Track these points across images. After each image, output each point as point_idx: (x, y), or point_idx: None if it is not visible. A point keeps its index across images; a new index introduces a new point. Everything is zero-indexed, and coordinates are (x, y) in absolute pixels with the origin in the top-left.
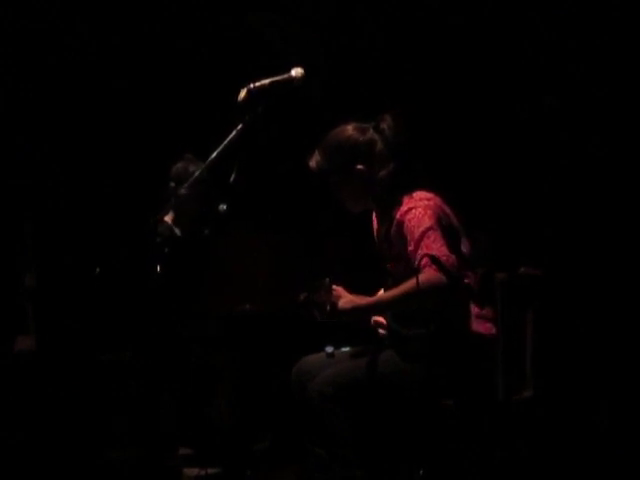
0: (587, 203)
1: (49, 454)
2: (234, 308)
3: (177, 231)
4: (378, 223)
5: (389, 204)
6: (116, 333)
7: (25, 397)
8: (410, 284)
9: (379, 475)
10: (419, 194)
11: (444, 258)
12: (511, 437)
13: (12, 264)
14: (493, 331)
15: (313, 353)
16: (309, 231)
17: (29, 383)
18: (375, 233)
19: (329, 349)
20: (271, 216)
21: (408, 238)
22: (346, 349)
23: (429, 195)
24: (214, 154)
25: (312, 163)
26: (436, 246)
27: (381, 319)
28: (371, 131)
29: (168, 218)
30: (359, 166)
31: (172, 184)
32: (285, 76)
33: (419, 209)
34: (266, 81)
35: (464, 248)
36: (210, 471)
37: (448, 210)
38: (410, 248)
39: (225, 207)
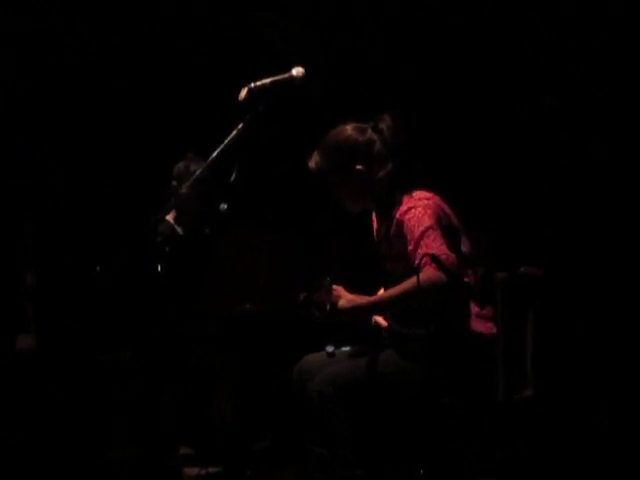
0: (587, 203)
1: (49, 454)
2: (234, 308)
3: (179, 230)
4: (378, 223)
5: (388, 204)
6: (116, 333)
7: (25, 396)
8: (410, 283)
9: (379, 475)
10: (419, 194)
11: (444, 257)
12: (511, 437)
13: (12, 264)
14: (493, 330)
15: (313, 353)
16: (309, 231)
17: (29, 382)
18: (375, 233)
19: (329, 348)
20: (271, 215)
21: (408, 237)
22: (346, 349)
23: (429, 195)
24: (215, 153)
25: (311, 164)
26: (436, 245)
27: (381, 319)
28: (370, 131)
29: (170, 217)
30: (358, 166)
31: (174, 183)
32: (286, 75)
33: (419, 208)
34: (267, 80)
35: (464, 247)
36: (210, 470)
37: (448, 209)
38: (410, 247)
39: (226, 206)
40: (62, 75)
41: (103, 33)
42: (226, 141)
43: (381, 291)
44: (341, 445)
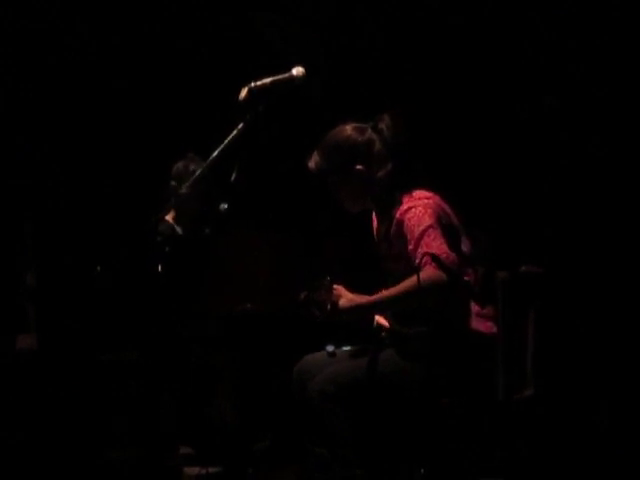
0: (587, 203)
1: (49, 454)
2: (234, 308)
3: (178, 230)
4: (378, 223)
5: (388, 204)
6: (117, 333)
7: (26, 396)
8: (411, 282)
9: (379, 475)
10: (419, 193)
11: (444, 256)
12: (511, 437)
13: (12, 264)
14: (494, 330)
15: (314, 352)
16: (309, 231)
17: (30, 382)
18: (375, 233)
19: (330, 348)
20: (272, 215)
21: (408, 237)
22: (347, 348)
23: (429, 194)
24: (215, 153)
25: (311, 164)
26: (436, 244)
27: (381, 318)
28: (369, 131)
29: (169, 217)
30: (358, 166)
31: (173, 183)
32: (286, 75)
33: (419, 208)
34: (267, 80)
35: (464, 246)
36: (211, 470)
37: (448, 209)
38: (410, 247)
39: (226, 206)
40: (62, 75)
41: (103, 33)
42: (226, 141)
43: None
44: (341, 445)
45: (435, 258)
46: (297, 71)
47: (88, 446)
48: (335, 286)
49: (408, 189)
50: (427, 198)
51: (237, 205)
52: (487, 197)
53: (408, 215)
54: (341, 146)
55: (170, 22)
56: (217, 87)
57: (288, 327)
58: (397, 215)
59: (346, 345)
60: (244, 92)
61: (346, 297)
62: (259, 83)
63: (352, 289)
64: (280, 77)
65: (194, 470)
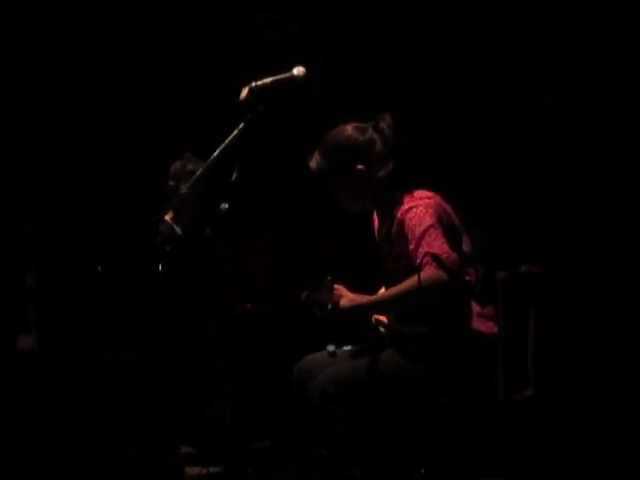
0: (587, 203)
1: (49, 454)
2: (234, 308)
3: (177, 229)
4: (379, 222)
5: (389, 203)
6: (117, 333)
7: (26, 396)
8: (411, 282)
9: (380, 475)
10: (420, 193)
11: (445, 256)
12: (512, 437)
13: (12, 264)
14: (494, 330)
15: (314, 352)
16: (309, 231)
17: (30, 382)
18: (376, 232)
19: (330, 348)
20: (272, 215)
21: (409, 237)
22: (347, 348)
23: (429, 194)
24: (216, 153)
25: (312, 163)
26: (437, 244)
27: (382, 318)
28: (370, 131)
29: (168, 217)
30: (359, 166)
31: (171, 183)
32: (287, 75)
33: (420, 208)
34: (268, 80)
35: (465, 246)
36: (212, 470)
37: (449, 208)
38: (411, 247)
39: (226, 206)
40: (62, 75)
41: (103, 33)
42: (227, 141)
43: (382, 290)
44: (341, 445)
45: (436, 258)
46: (298, 71)
47: (88, 446)
48: (336, 286)
49: (409, 189)
50: (428, 198)
51: (237, 205)
52: (487, 197)
53: (409, 215)
54: (342, 146)
55: (170, 22)
56: (217, 87)
57: (288, 327)
58: (398, 215)
59: (347, 345)
60: (245, 92)
61: (347, 297)
62: (260, 83)
63: (353, 289)
64: (281, 77)
65: (195, 470)
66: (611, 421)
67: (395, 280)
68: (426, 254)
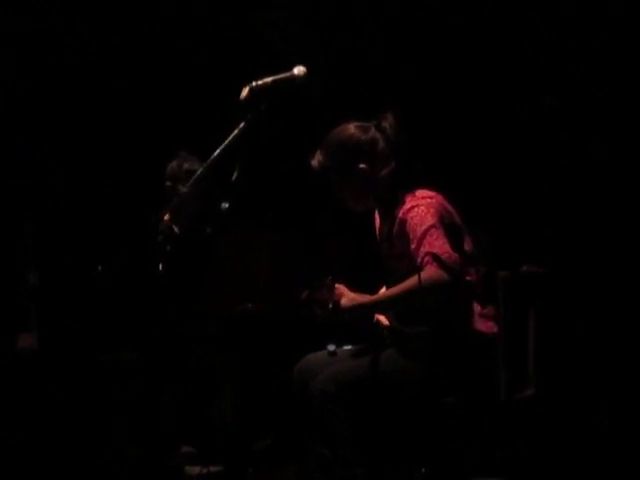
0: (587, 203)
1: (49, 454)
2: (235, 307)
3: (176, 229)
4: (380, 222)
5: (391, 203)
6: (117, 333)
7: (26, 396)
8: (412, 282)
9: (380, 474)
10: (421, 192)
11: (446, 255)
12: (512, 436)
13: (13, 264)
14: (495, 330)
15: (315, 352)
16: (310, 230)
17: (30, 382)
18: (377, 232)
19: (331, 347)
20: (272, 215)
21: (410, 236)
22: (348, 347)
23: (431, 193)
24: (216, 152)
25: (314, 162)
26: (438, 244)
27: (383, 317)
28: (373, 130)
29: (165, 217)
30: (361, 165)
31: (168, 183)
32: (287, 74)
33: (421, 207)
34: (268, 79)
35: (467, 246)
36: (212, 469)
37: (450, 208)
38: (413, 246)
39: (227, 206)
40: (62, 75)
41: (103, 33)
42: (227, 140)
43: (383, 289)
44: (342, 445)
45: (437, 258)
46: (298, 70)
47: (88, 446)
48: (337, 285)
49: (411, 188)
50: (430, 197)
51: (238, 204)
52: (487, 197)
53: (411, 214)
54: (344, 144)
55: (170, 22)
56: (217, 87)
57: (288, 327)
58: (400, 214)
59: (347, 344)
60: (245, 91)
61: (348, 296)
62: (260, 82)
63: (353, 289)
64: (281, 76)
65: (195, 469)
66: (611, 421)
67: (396, 280)
68: (427, 254)
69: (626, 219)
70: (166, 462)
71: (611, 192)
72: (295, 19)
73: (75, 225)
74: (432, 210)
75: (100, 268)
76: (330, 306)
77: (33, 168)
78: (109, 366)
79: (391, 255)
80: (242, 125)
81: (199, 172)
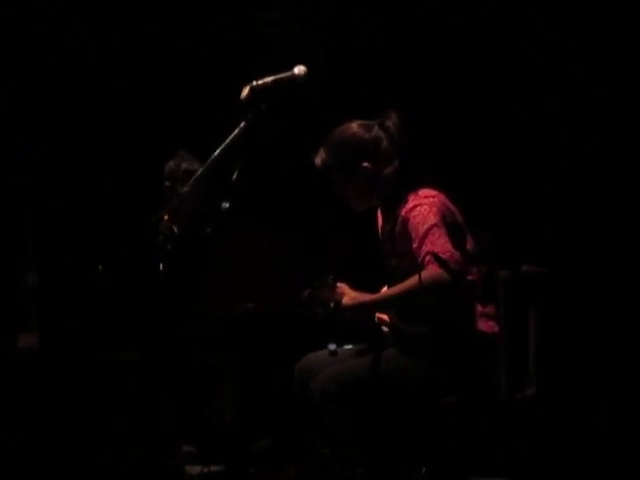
0: (587, 202)
1: (49, 454)
2: (235, 307)
3: (175, 229)
4: (383, 221)
5: (394, 202)
6: (117, 333)
7: (27, 395)
8: (413, 281)
9: (381, 474)
10: (424, 191)
11: (448, 255)
12: (512, 436)
13: (13, 263)
14: (495, 329)
15: (315, 351)
16: (311, 230)
17: (31, 381)
18: (380, 231)
19: (332, 347)
20: (273, 214)
21: (413, 235)
22: (348, 347)
23: (434, 192)
24: (216, 152)
25: (317, 160)
26: (440, 243)
27: (384, 316)
28: (376, 128)
29: (165, 218)
30: (364, 163)
31: (167, 183)
32: (288, 74)
33: (424, 206)
34: (269, 79)
35: (468, 245)
36: (212, 469)
37: (453, 207)
38: (414, 245)
39: (227, 205)
40: (62, 75)
41: (103, 33)
42: (228, 140)
43: (384, 288)
44: (341, 445)
45: (438, 257)
46: (299, 70)
47: (88, 446)
48: (338, 284)
49: (414, 187)
50: (433, 196)
51: (238, 204)
52: (488, 197)
53: (413, 213)
54: (348, 143)
55: (170, 22)
56: (217, 87)
57: (289, 327)
58: (402, 213)
59: (348, 344)
60: (246, 91)
61: (349, 295)
62: (261, 82)
63: (355, 288)
64: (282, 76)
65: (196, 469)
66: (611, 421)
67: (398, 279)
68: (428, 253)
69: (626, 219)
70: (166, 462)
71: (611, 192)
72: (295, 19)
73: (75, 225)
74: (435, 209)
75: (100, 268)
76: (332, 305)
77: (33, 168)
78: (109, 366)
79: (393, 254)
80: (242, 125)
81: (199, 172)
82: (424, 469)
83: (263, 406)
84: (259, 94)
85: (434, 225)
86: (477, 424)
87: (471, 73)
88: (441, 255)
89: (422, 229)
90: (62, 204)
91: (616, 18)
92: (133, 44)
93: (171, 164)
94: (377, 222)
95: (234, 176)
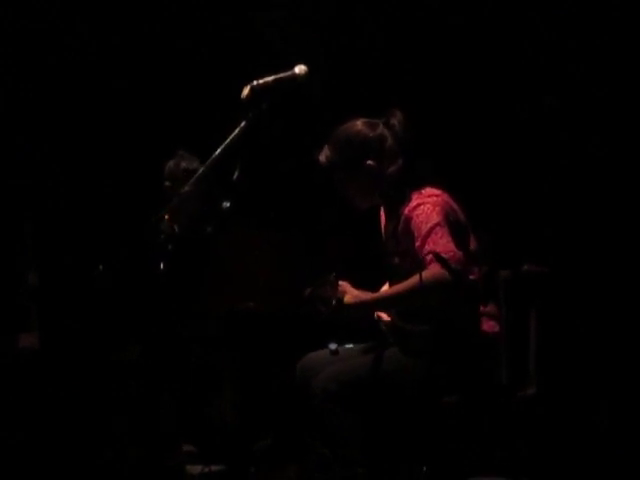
0: (587, 202)
1: (49, 454)
2: (237, 304)
3: (175, 228)
4: (386, 219)
5: (397, 200)
6: (118, 332)
7: (27, 395)
8: (414, 280)
9: (381, 473)
10: (428, 190)
11: (450, 254)
12: (513, 435)
13: (13, 263)
14: (496, 329)
15: (316, 351)
16: (311, 229)
17: (31, 381)
18: (383, 229)
19: (332, 346)
20: (273, 214)
21: (415, 234)
22: (349, 346)
23: (437, 191)
24: (217, 152)
25: (322, 157)
26: (442, 242)
27: (383, 315)
28: (381, 126)
29: (166, 216)
30: (369, 161)
31: (167, 183)
32: (288, 73)
33: (427, 205)
34: (269, 78)
35: (472, 245)
36: (213, 468)
37: (456, 207)
38: (417, 244)
39: (228, 205)
40: (62, 75)
41: (103, 33)
42: (228, 139)
43: (386, 287)
44: (342, 445)
45: (439, 257)
46: (300, 69)
47: (88, 446)
48: (340, 282)
49: (417, 186)
50: (436, 195)
51: (239, 204)
52: (488, 197)
53: (416, 212)
54: (352, 141)
55: (170, 22)
56: (217, 87)
57: (289, 327)
58: (405, 212)
59: (349, 343)
60: (246, 90)
61: (351, 293)
62: (261, 81)
63: (356, 286)
64: (283, 75)
65: (197, 468)
66: (611, 421)
67: (400, 277)
68: (430, 252)
69: (626, 219)
70: (167, 462)
71: (611, 192)
72: (295, 19)
73: (75, 225)
74: (438, 208)
75: (100, 268)
76: (333, 302)
77: (33, 168)
78: (109, 366)
79: (396, 252)
80: (243, 124)
81: (200, 171)
82: (424, 469)
83: (263, 406)
84: (259, 94)
85: (437, 224)
86: (477, 424)
87: (471, 73)
88: (443, 254)
89: (425, 228)
90: (62, 204)
91: (616, 18)
92: (133, 44)
93: (171, 164)
94: (380, 220)
95: (234, 176)
